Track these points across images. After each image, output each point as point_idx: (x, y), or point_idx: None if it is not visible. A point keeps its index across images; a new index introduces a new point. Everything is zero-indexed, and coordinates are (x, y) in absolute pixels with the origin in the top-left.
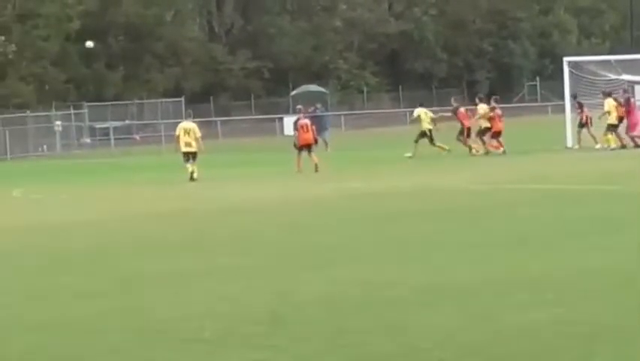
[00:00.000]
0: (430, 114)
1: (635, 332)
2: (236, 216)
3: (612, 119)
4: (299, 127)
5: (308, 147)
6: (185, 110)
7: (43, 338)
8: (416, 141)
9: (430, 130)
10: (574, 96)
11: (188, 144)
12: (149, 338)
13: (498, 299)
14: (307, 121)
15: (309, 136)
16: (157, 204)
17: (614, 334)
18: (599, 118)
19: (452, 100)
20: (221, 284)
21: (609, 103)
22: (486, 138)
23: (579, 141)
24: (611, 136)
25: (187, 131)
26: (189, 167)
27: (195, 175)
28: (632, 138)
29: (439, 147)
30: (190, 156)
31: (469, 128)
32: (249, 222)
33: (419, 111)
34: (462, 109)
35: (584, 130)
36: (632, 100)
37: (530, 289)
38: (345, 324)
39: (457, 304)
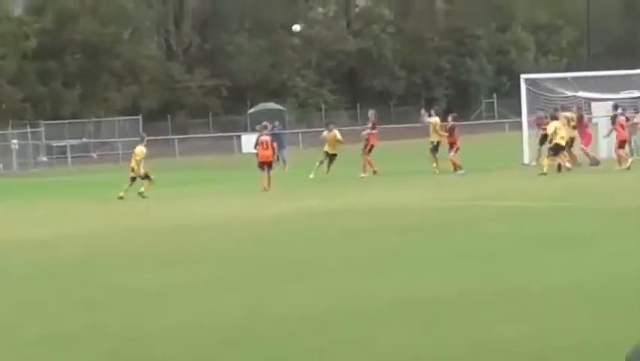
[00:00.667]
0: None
1: (601, 347)
2: (203, 232)
3: (558, 138)
4: (259, 144)
5: (267, 164)
6: (143, 128)
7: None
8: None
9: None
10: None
11: (132, 169)
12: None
13: (468, 314)
14: (267, 138)
15: (268, 153)
16: (127, 221)
17: (583, 349)
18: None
19: (450, 118)
20: (197, 299)
21: (554, 125)
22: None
23: (538, 157)
24: (547, 160)
25: (134, 156)
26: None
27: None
28: (587, 154)
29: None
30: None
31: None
32: (215, 238)
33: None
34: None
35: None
36: (584, 117)
37: (499, 304)
38: (311, 341)
39: (427, 318)
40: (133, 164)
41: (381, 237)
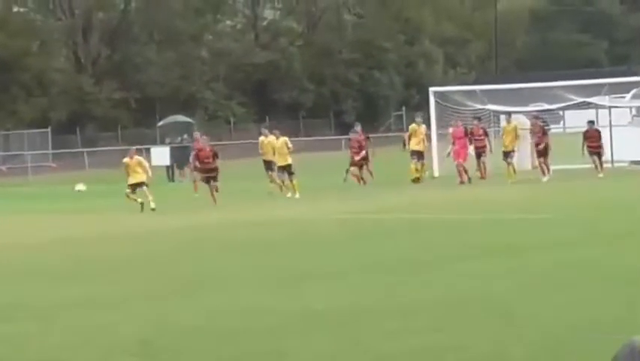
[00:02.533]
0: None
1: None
2: (116, 243)
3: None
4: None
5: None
6: (52, 140)
7: None
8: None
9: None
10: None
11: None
12: None
13: (372, 326)
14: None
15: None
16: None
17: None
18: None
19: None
20: (99, 313)
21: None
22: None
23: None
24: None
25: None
26: None
27: None
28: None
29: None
30: None
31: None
32: (127, 250)
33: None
34: None
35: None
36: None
37: (403, 315)
38: (223, 352)
39: (333, 330)
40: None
41: (290, 249)
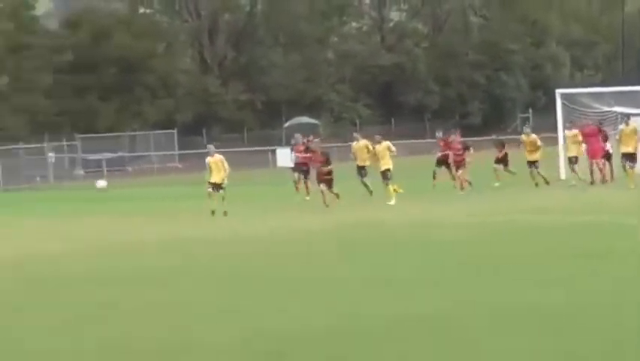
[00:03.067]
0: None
1: None
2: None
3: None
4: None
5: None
6: (178, 141)
7: None
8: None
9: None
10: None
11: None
12: None
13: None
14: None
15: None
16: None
17: None
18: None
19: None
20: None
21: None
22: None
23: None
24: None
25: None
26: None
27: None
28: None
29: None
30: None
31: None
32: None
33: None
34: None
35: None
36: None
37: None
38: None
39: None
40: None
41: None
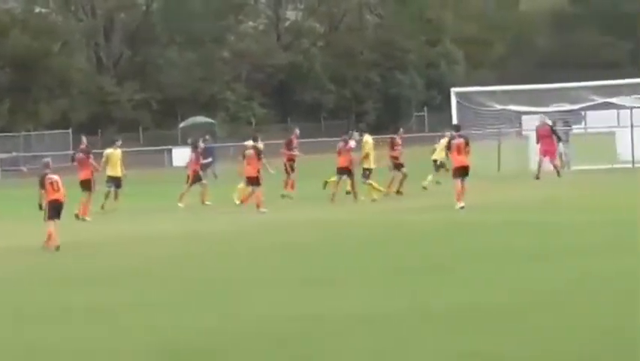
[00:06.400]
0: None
1: None
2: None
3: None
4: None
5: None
6: (73, 141)
7: None
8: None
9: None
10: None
11: None
12: None
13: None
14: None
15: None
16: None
17: None
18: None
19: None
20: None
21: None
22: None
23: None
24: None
25: None
26: None
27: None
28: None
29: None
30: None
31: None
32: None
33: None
34: None
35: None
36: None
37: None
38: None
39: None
40: None
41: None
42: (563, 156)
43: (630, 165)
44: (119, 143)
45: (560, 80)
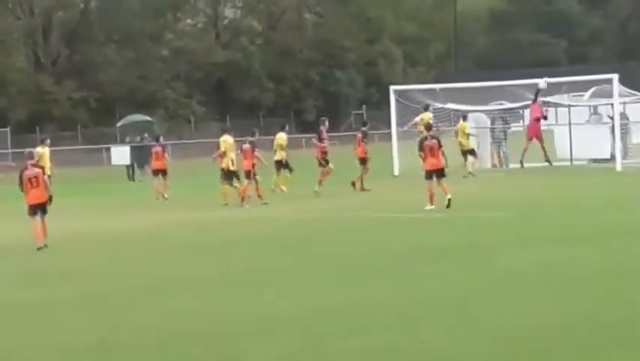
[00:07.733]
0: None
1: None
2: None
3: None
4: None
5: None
6: (11, 140)
7: None
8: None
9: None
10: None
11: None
12: None
13: (332, 326)
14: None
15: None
16: None
17: None
18: None
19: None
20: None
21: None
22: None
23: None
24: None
25: None
26: None
27: None
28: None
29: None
30: None
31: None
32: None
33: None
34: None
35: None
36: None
37: (361, 315)
38: (182, 353)
39: (291, 332)
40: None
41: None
42: (502, 155)
43: (568, 163)
44: (48, 142)
45: (498, 79)
